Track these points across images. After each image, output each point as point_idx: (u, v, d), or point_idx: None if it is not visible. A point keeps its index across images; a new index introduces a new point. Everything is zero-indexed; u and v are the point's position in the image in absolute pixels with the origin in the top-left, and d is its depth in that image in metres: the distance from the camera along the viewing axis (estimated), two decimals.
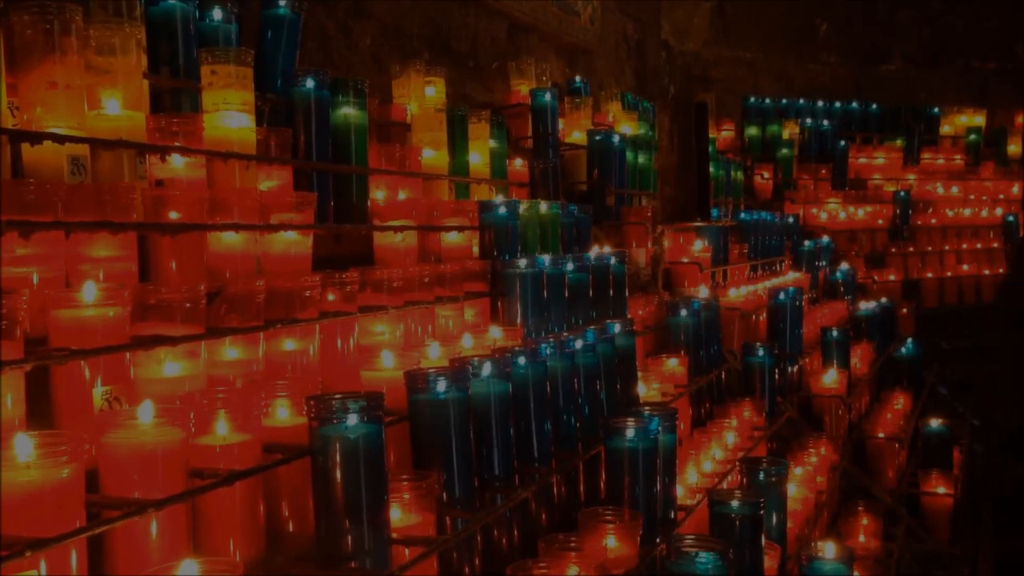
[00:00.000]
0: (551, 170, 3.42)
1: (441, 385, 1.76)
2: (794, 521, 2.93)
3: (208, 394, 1.62)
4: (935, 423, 4.54)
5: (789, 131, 6.78)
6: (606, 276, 2.92)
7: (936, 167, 7.40)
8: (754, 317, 4.14)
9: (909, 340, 5.27)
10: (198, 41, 2.11)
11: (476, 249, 2.68)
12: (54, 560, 1.26)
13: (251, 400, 1.60)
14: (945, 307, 6.57)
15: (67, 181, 1.63)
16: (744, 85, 7.07)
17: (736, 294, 4.32)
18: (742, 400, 3.26)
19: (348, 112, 2.38)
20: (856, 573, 3.06)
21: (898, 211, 6.86)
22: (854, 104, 7.54)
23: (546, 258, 2.63)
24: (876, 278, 6.31)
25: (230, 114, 2.00)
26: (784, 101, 7.09)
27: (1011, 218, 7.11)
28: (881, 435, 4.29)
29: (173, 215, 1.76)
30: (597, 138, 3.80)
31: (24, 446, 1.28)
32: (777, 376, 3.55)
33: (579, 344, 2.34)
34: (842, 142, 7.08)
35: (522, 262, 2.54)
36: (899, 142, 7.40)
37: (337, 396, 1.54)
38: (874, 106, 7.60)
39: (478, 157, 3.00)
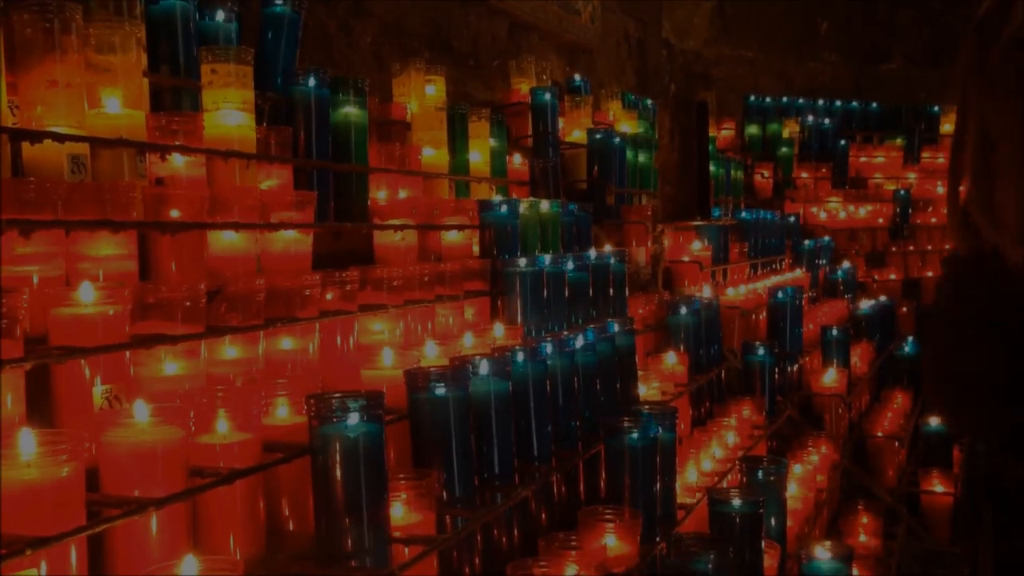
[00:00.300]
0: (551, 169, 3.42)
1: (441, 384, 1.76)
2: (794, 520, 2.93)
3: (208, 393, 1.62)
4: (935, 422, 4.54)
5: (789, 130, 6.78)
6: (606, 275, 2.92)
7: (936, 166, 7.39)
8: (754, 316, 4.14)
9: (909, 339, 5.27)
10: (198, 40, 2.11)
11: (476, 248, 2.68)
12: (54, 558, 1.26)
13: (251, 399, 1.60)
14: None
15: (67, 180, 1.63)
16: (745, 84, 7.07)
17: (736, 293, 4.32)
18: (742, 399, 3.26)
19: (348, 111, 2.38)
20: (856, 572, 3.06)
21: (898, 210, 6.85)
22: (854, 103, 7.53)
23: (546, 257, 2.63)
24: (876, 277, 6.31)
25: (230, 113, 2.00)
26: (784, 100, 7.09)
27: None
28: (881, 434, 4.29)
29: (173, 214, 1.76)
30: (597, 137, 3.80)
31: (24, 444, 1.28)
32: (777, 375, 3.55)
33: (579, 343, 2.34)
34: (842, 141, 7.07)
35: (522, 261, 2.55)
36: (899, 141, 7.39)
37: (337, 395, 1.54)
38: (874, 105, 7.60)
39: (478, 156, 3.00)
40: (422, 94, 2.85)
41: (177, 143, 1.84)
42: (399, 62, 2.94)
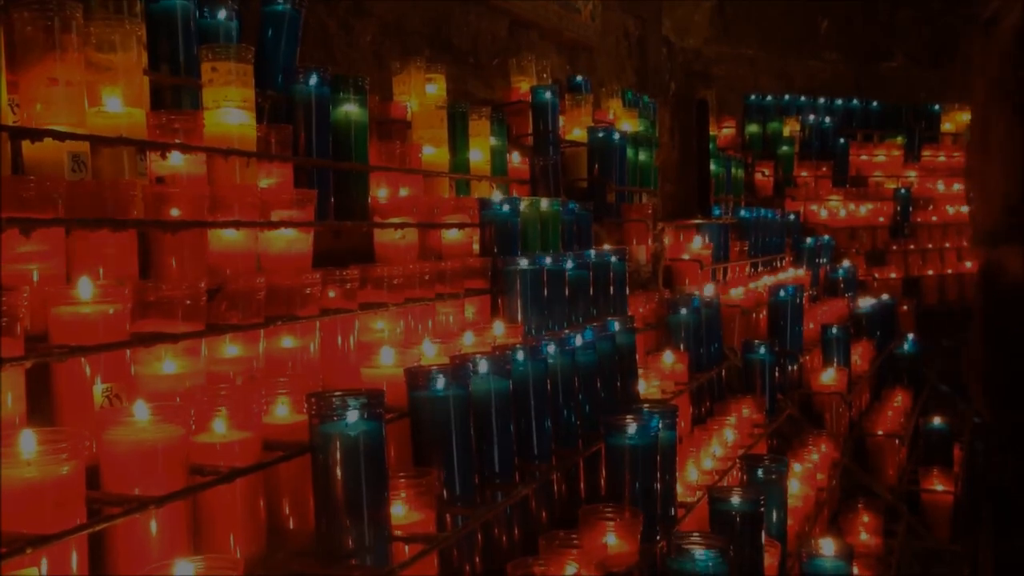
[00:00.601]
0: (552, 167, 3.42)
1: (441, 382, 1.76)
2: (794, 518, 2.93)
3: (208, 391, 1.62)
4: (936, 420, 4.54)
5: (790, 128, 6.77)
6: (606, 273, 2.91)
7: (937, 164, 7.39)
8: (754, 314, 4.14)
9: (910, 337, 5.27)
10: (198, 38, 2.11)
11: (477, 246, 2.68)
12: (55, 557, 1.26)
13: (251, 397, 1.60)
14: (946, 304, 6.56)
15: (67, 178, 1.63)
16: (745, 82, 7.07)
17: (736, 291, 4.32)
18: (742, 397, 3.26)
19: (349, 109, 2.37)
20: (856, 570, 3.06)
21: (899, 208, 6.85)
22: (855, 102, 7.53)
23: (547, 255, 2.63)
24: (877, 275, 6.31)
25: (230, 111, 2.00)
26: (785, 98, 7.08)
27: None
28: (881, 432, 4.29)
29: (174, 212, 1.76)
30: (598, 135, 3.80)
31: (25, 443, 1.28)
32: (777, 373, 3.55)
33: (579, 341, 2.34)
34: (843, 139, 7.07)
35: (522, 259, 2.55)
36: (900, 139, 7.39)
37: (337, 393, 1.54)
38: (875, 104, 7.59)
39: (479, 154, 3.00)
40: (422, 92, 2.84)
41: (177, 141, 1.84)
42: (399, 60, 2.93)
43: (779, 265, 5.34)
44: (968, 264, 6.73)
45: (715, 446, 2.81)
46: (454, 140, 2.87)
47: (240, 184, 1.98)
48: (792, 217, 5.91)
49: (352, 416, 1.50)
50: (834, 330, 4.19)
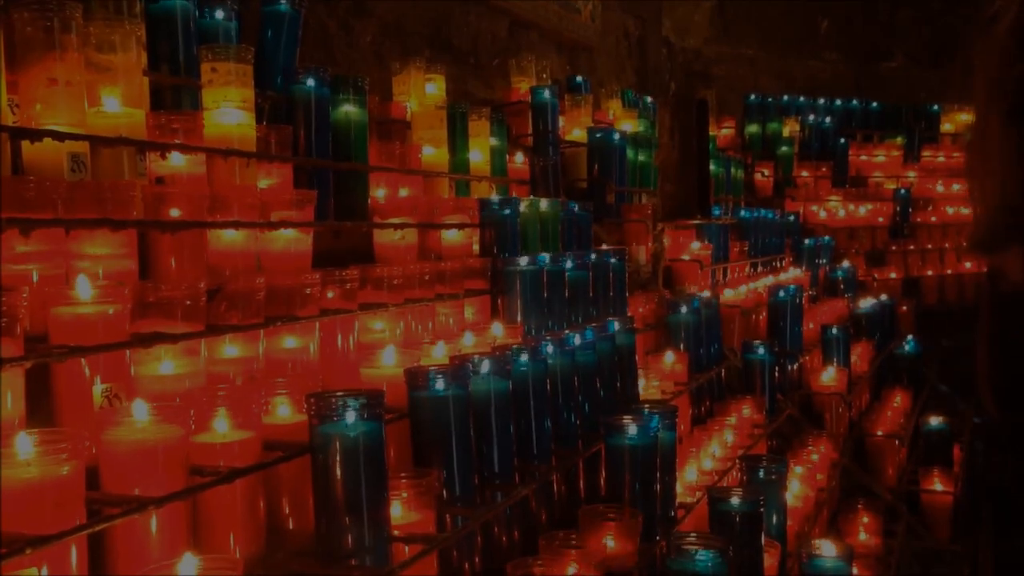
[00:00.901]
0: (551, 168, 3.42)
1: (441, 383, 1.76)
2: (794, 519, 2.93)
3: (208, 392, 1.62)
4: (935, 420, 4.54)
5: (789, 129, 6.77)
6: (606, 274, 2.91)
7: (936, 165, 7.39)
8: (754, 315, 4.14)
9: (909, 338, 5.27)
10: (198, 38, 2.11)
11: (476, 247, 2.68)
12: (54, 557, 1.26)
13: (251, 398, 1.60)
14: (946, 304, 6.57)
15: (67, 178, 1.63)
16: (745, 82, 7.07)
17: (736, 292, 4.32)
18: (742, 398, 3.26)
19: (348, 109, 2.37)
20: (856, 570, 3.06)
21: (898, 209, 6.85)
22: (855, 102, 7.53)
23: (546, 256, 2.63)
24: (876, 276, 6.31)
25: (230, 111, 2.00)
26: (785, 98, 7.09)
27: None
28: (881, 433, 4.29)
29: (173, 212, 1.76)
30: (598, 135, 3.80)
31: (24, 443, 1.28)
32: (777, 374, 3.56)
33: (579, 342, 2.34)
34: (842, 140, 7.07)
35: (522, 260, 2.54)
36: (899, 140, 7.39)
37: (337, 394, 1.54)
38: (875, 104, 7.60)
39: (478, 155, 3.00)
40: (422, 93, 2.84)
41: (177, 142, 1.84)
42: (399, 61, 2.93)
43: (779, 265, 5.34)
44: (968, 264, 6.74)
45: (715, 446, 2.81)
46: (454, 140, 2.87)
47: (240, 184, 1.98)
48: (792, 217, 5.91)
49: (352, 416, 1.50)
50: (834, 330, 4.19)
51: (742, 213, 5.22)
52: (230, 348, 1.77)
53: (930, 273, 6.72)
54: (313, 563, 1.51)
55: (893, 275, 6.49)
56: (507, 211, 2.67)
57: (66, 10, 1.65)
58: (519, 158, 3.37)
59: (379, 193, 2.50)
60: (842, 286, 5.39)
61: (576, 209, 3.15)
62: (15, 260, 1.49)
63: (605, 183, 3.75)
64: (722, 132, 6.48)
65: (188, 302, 1.60)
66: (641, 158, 4.18)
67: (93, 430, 1.43)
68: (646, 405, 2.38)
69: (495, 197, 2.86)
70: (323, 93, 2.30)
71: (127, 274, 1.65)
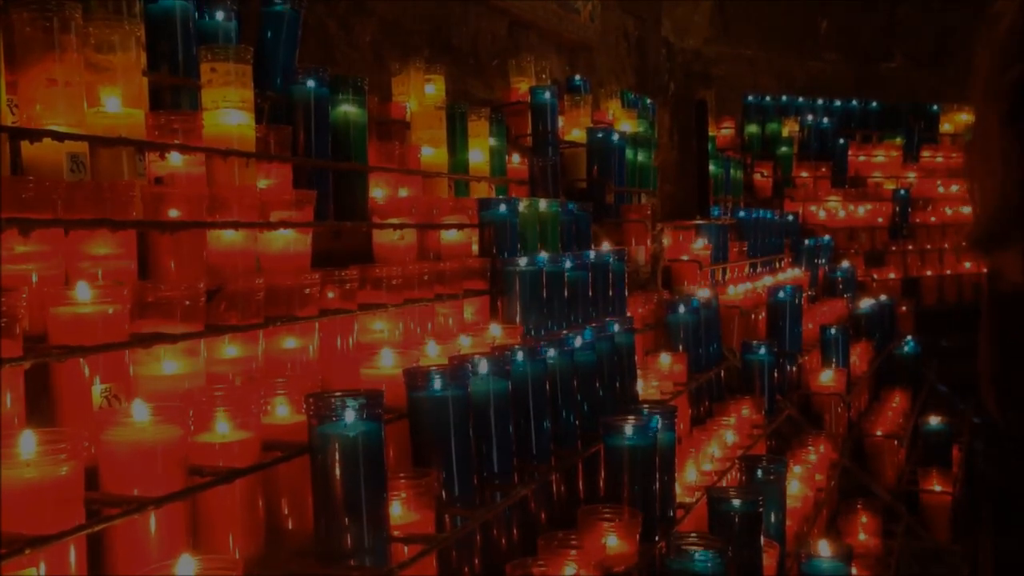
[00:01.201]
0: (551, 168, 3.42)
1: (440, 383, 1.76)
2: (793, 519, 2.93)
3: (207, 392, 1.62)
4: (935, 421, 4.54)
5: (789, 129, 6.78)
6: (606, 274, 2.92)
7: (936, 165, 7.39)
8: (753, 315, 4.14)
9: (909, 338, 5.27)
10: (198, 38, 2.11)
11: (476, 247, 2.68)
12: (53, 557, 1.26)
13: (250, 398, 1.60)
14: (945, 305, 6.57)
15: (66, 179, 1.63)
16: (744, 83, 7.07)
17: (735, 292, 4.32)
18: (741, 398, 3.26)
19: (348, 110, 2.37)
20: (855, 571, 3.06)
21: (898, 209, 6.86)
22: (854, 102, 7.53)
23: (545, 256, 2.63)
24: (876, 276, 6.31)
25: (229, 112, 2.00)
26: (784, 99, 7.09)
27: None
28: (880, 433, 4.29)
29: (172, 213, 1.76)
30: (597, 136, 3.80)
31: (24, 443, 1.28)
32: (776, 374, 3.55)
33: (578, 342, 2.34)
34: (842, 140, 7.07)
35: (521, 260, 2.55)
36: (899, 140, 7.39)
37: (336, 394, 1.54)
38: (874, 104, 7.60)
39: (478, 155, 3.00)
40: (421, 93, 2.84)
41: (176, 142, 1.84)
42: (399, 61, 2.93)
43: (778, 266, 5.34)
44: (967, 265, 6.74)
45: (714, 447, 2.81)
46: (453, 141, 2.87)
47: (239, 185, 1.98)
48: (791, 218, 5.91)
49: (351, 417, 1.50)
50: (833, 331, 4.19)
51: (741, 213, 5.22)
52: (229, 348, 1.77)
53: (929, 273, 6.72)
54: (312, 563, 1.51)
55: (892, 275, 6.49)
56: (506, 211, 2.67)
57: (66, 10, 1.65)
58: (518, 158, 3.37)
59: (378, 193, 2.51)
60: (841, 286, 5.39)
61: (575, 209, 3.15)
62: (14, 260, 1.49)
63: (604, 183, 3.74)
64: (721, 132, 6.49)
65: (187, 302, 1.60)
66: (640, 158, 4.18)
67: (92, 430, 1.43)
68: (645, 405, 2.38)
69: (494, 197, 2.86)
70: (322, 93, 2.30)
71: (126, 274, 1.65)
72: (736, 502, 2.28)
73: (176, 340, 1.59)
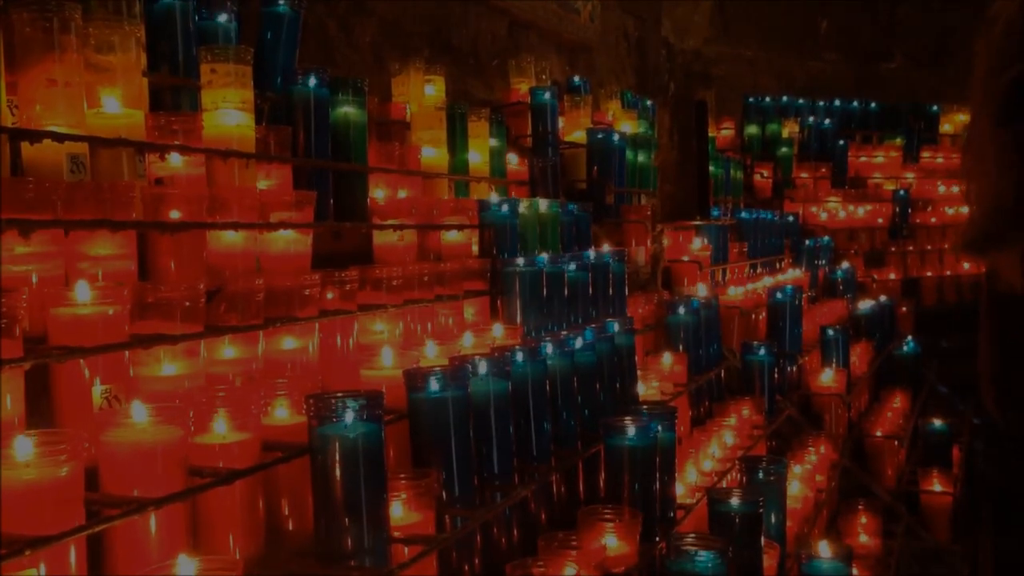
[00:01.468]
0: (551, 168, 3.42)
1: (440, 384, 1.76)
2: (793, 519, 2.93)
3: (207, 392, 1.62)
4: (935, 421, 4.54)
5: (789, 129, 6.78)
6: (606, 274, 2.91)
7: (936, 166, 7.40)
8: (754, 316, 4.14)
9: (909, 338, 5.27)
10: (198, 39, 2.11)
11: (476, 248, 2.68)
12: (54, 558, 1.26)
13: (250, 399, 1.60)
14: (945, 305, 6.57)
15: (66, 179, 1.63)
16: (744, 83, 7.07)
17: (736, 292, 4.32)
18: (741, 399, 3.26)
19: (348, 110, 2.37)
20: (855, 571, 3.06)
21: (898, 210, 6.86)
22: (854, 103, 7.53)
23: (546, 257, 2.63)
24: (876, 277, 6.31)
25: (229, 112, 2.00)
26: (784, 99, 7.09)
27: None
28: (880, 433, 4.29)
29: (172, 214, 1.76)
30: (597, 136, 3.80)
31: (23, 444, 1.28)
32: (776, 375, 3.55)
33: (578, 343, 2.34)
34: (842, 141, 7.07)
35: (521, 261, 2.55)
36: (899, 141, 7.39)
37: (336, 395, 1.54)
38: (874, 105, 7.60)
39: (478, 156, 3.00)
40: (421, 94, 2.84)
41: (176, 143, 1.84)
42: (399, 61, 2.93)
43: (778, 266, 5.34)
44: (966, 265, 6.74)
45: (714, 447, 2.81)
46: (453, 141, 2.87)
47: (239, 185, 1.98)
48: (791, 218, 5.91)
49: (351, 417, 1.50)
50: (833, 331, 4.19)
51: (741, 214, 5.22)
52: (229, 349, 1.77)
53: (929, 274, 6.72)
54: (312, 564, 1.51)
55: (892, 276, 6.49)
56: (506, 212, 2.67)
57: (65, 11, 1.65)
58: (518, 159, 3.37)
59: (378, 194, 2.51)
60: (841, 287, 5.39)
61: (575, 210, 3.15)
62: (15, 261, 1.49)
63: (604, 184, 3.74)
64: (721, 133, 6.49)
65: (187, 303, 1.60)
66: (640, 159, 4.18)
67: (92, 431, 1.43)
68: (645, 406, 2.38)
69: (494, 198, 2.86)
70: (322, 94, 2.30)
71: (126, 275, 1.65)
72: (736, 503, 2.28)
73: (176, 341, 1.59)
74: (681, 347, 3.17)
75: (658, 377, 2.84)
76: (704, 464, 2.70)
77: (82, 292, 1.48)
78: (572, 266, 2.69)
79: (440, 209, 2.59)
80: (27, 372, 1.41)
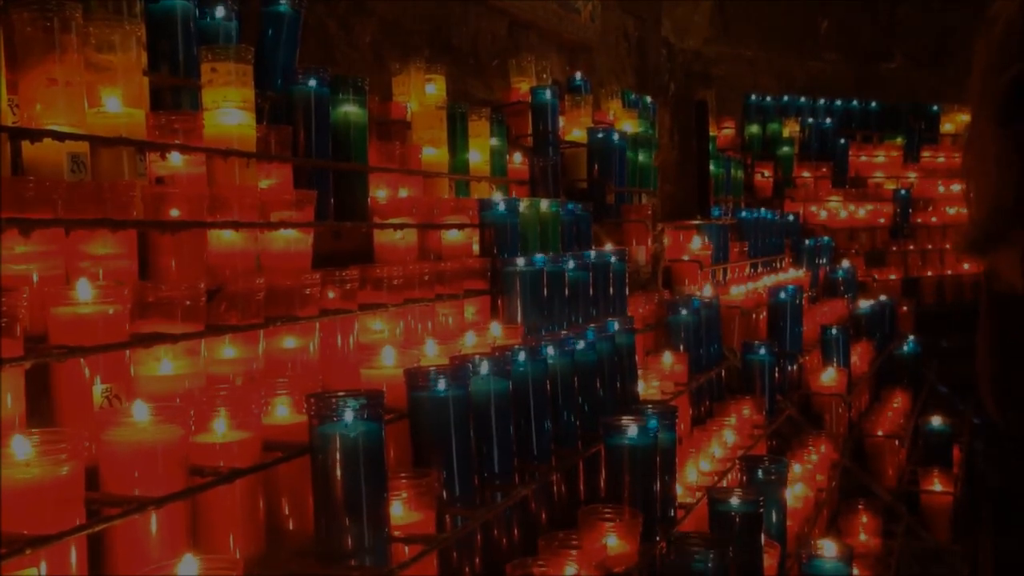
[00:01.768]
0: (551, 168, 3.42)
1: (441, 383, 1.76)
2: (794, 519, 2.93)
3: (208, 392, 1.62)
4: (935, 421, 4.54)
5: (789, 129, 6.78)
6: (606, 274, 2.91)
7: (936, 165, 7.40)
8: (754, 315, 4.14)
9: (909, 338, 5.27)
10: (198, 38, 2.11)
11: (476, 247, 2.68)
12: (54, 557, 1.26)
13: (251, 398, 1.60)
14: (945, 305, 6.57)
15: (67, 179, 1.63)
16: (745, 83, 7.07)
17: (736, 292, 4.32)
18: (742, 398, 3.26)
19: (348, 110, 2.37)
20: (856, 571, 3.06)
21: (898, 209, 6.86)
22: (854, 102, 7.53)
23: (546, 256, 2.63)
24: (876, 276, 6.31)
25: (230, 111, 2.00)
26: (785, 99, 7.09)
27: None
28: (881, 433, 4.29)
29: (173, 213, 1.76)
30: (598, 136, 3.80)
31: (24, 443, 1.28)
32: (777, 374, 3.55)
33: (579, 342, 2.34)
34: (842, 140, 7.07)
35: (522, 260, 2.55)
36: (899, 140, 7.39)
37: (337, 394, 1.54)
38: (874, 104, 7.60)
39: (478, 155, 3.00)
40: (422, 93, 2.84)
41: (177, 142, 1.84)
42: (399, 61, 2.93)
43: (779, 266, 5.34)
44: (967, 265, 6.74)
45: (715, 447, 2.81)
46: (454, 141, 2.87)
47: (240, 185, 1.98)
48: (791, 218, 5.91)
49: (351, 417, 1.50)
50: (834, 331, 4.19)
51: (742, 213, 5.22)
52: (230, 348, 1.77)
53: (930, 274, 6.72)
54: (313, 563, 1.51)
55: (893, 276, 6.49)
56: (507, 211, 2.67)
57: (66, 10, 1.65)
58: (518, 158, 3.37)
59: (379, 193, 2.51)
60: (842, 286, 5.39)
61: (576, 209, 3.15)
62: (15, 260, 1.49)
63: (605, 183, 3.75)
64: (722, 132, 6.48)
65: (188, 302, 1.60)
66: (641, 158, 4.18)
67: (93, 430, 1.43)
68: (646, 406, 2.38)
69: (495, 197, 2.86)
70: (323, 93, 2.30)
71: (127, 274, 1.65)
72: (737, 502, 2.28)
73: (176, 340, 1.59)
74: (681, 346, 3.17)
75: (658, 376, 2.84)
76: (704, 464, 2.70)
77: (83, 291, 1.48)
78: (572, 265, 2.69)
79: (441, 208, 2.59)
80: (27, 371, 1.41)
